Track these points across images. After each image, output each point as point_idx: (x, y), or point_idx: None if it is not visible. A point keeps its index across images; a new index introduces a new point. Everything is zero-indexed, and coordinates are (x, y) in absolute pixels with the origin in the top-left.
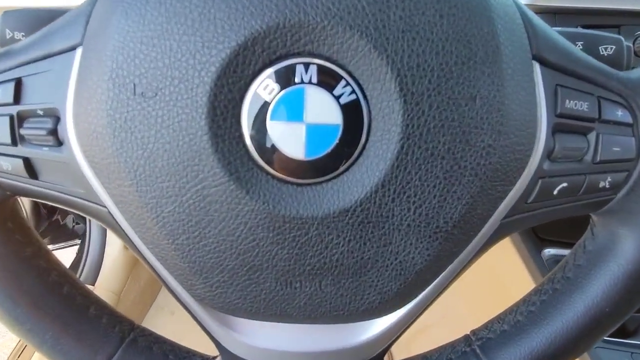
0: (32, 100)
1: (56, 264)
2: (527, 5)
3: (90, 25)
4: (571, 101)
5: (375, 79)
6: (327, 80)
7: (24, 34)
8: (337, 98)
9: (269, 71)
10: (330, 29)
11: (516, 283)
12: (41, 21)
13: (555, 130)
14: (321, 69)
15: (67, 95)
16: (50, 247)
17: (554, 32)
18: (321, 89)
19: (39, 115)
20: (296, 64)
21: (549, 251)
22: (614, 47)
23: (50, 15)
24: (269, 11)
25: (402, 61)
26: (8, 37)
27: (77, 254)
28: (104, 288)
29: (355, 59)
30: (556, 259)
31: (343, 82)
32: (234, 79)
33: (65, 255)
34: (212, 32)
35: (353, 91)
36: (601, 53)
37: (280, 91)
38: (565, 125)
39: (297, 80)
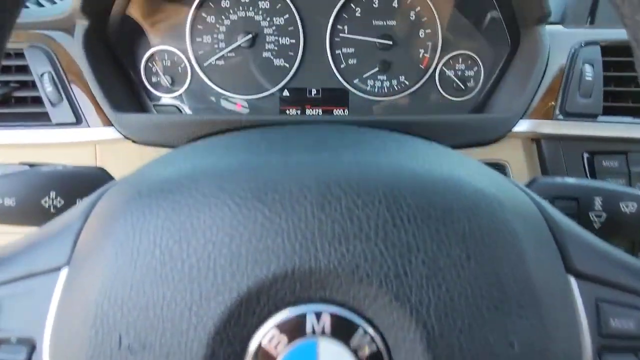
0: (7, 327)
1: None
2: (531, 132)
3: (78, 249)
4: (616, 319)
5: (398, 328)
6: (342, 330)
7: (14, 199)
8: (355, 351)
9: (275, 320)
10: (345, 277)
11: None
12: (30, 185)
13: (602, 350)
14: (335, 318)
15: (45, 327)
16: None
17: (584, 234)
18: (336, 341)
19: (12, 344)
20: (306, 312)
21: None
22: (635, 204)
23: (38, 177)
24: (275, 258)
25: (427, 311)
26: None
27: None
28: None
29: (374, 307)
30: None
31: (361, 332)
32: (234, 332)
33: None
34: (212, 281)
35: (373, 341)
36: (623, 210)
37: (288, 344)
38: (612, 346)
39: (307, 330)
